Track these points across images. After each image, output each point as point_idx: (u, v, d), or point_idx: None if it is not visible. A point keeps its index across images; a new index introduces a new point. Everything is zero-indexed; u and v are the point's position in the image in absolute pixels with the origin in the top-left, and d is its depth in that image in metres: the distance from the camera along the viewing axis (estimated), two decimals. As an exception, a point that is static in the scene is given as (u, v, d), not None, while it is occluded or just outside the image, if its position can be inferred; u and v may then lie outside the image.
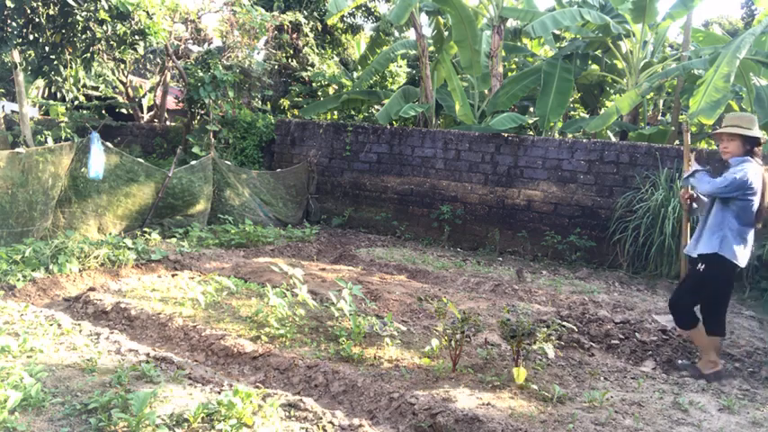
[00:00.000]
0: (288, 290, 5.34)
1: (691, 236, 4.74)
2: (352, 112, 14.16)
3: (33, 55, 8.29)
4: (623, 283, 7.87)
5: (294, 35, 13.83)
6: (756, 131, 4.41)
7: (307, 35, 13.98)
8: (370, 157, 10.89)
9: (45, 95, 15.07)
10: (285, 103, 14.72)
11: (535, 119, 11.35)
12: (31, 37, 7.64)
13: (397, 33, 15.26)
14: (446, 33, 12.45)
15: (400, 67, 14.89)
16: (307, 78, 14.07)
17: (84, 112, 13.72)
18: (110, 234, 7.37)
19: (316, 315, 5.01)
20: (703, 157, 8.10)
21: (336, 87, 14.29)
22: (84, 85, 10.02)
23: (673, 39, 14.83)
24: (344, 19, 15.16)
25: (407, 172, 10.55)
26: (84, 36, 7.89)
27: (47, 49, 7.82)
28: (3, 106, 13.40)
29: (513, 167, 9.67)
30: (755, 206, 4.33)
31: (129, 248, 6.80)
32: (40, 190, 6.83)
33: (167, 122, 14.45)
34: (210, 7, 12.64)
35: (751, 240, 4.43)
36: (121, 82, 14.22)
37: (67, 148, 7.17)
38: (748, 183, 4.25)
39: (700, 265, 4.43)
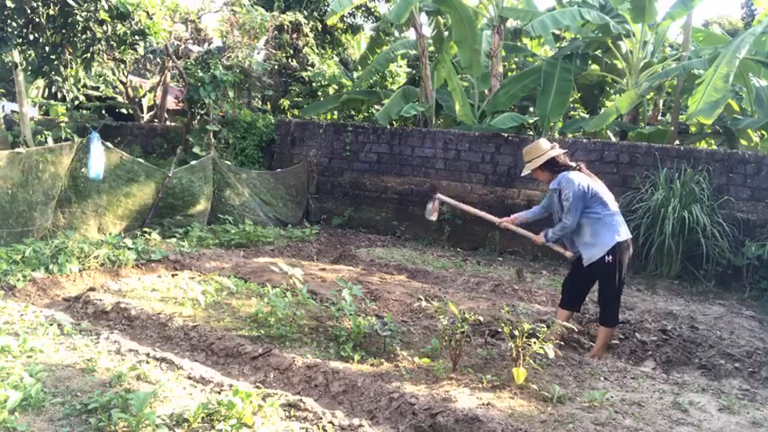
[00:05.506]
0: (288, 290, 5.33)
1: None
2: (352, 112, 14.14)
3: (33, 55, 8.30)
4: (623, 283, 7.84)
5: (294, 35, 13.82)
6: (544, 155, 4.74)
7: (307, 35, 13.96)
8: (370, 157, 10.89)
9: (45, 95, 15.06)
10: (285, 103, 14.71)
11: (535, 119, 11.34)
12: (31, 37, 7.65)
13: (397, 33, 15.24)
14: (446, 33, 12.44)
15: (400, 67, 14.87)
16: (307, 78, 14.05)
17: (85, 112, 13.71)
18: (110, 234, 7.36)
19: (316, 315, 5.01)
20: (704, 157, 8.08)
21: (336, 87, 14.27)
22: (85, 85, 10.00)
23: (673, 39, 14.77)
24: (344, 19, 15.14)
25: (407, 172, 10.54)
26: (84, 36, 7.90)
27: (47, 49, 7.83)
28: (3, 106, 13.42)
29: (513, 167, 9.66)
30: (602, 193, 4.69)
31: (129, 248, 6.79)
32: (40, 190, 6.84)
33: (167, 122, 14.44)
34: (210, 7, 12.64)
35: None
36: (121, 82, 14.20)
37: (67, 148, 7.17)
38: (580, 189, 4.57)
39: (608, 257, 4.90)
